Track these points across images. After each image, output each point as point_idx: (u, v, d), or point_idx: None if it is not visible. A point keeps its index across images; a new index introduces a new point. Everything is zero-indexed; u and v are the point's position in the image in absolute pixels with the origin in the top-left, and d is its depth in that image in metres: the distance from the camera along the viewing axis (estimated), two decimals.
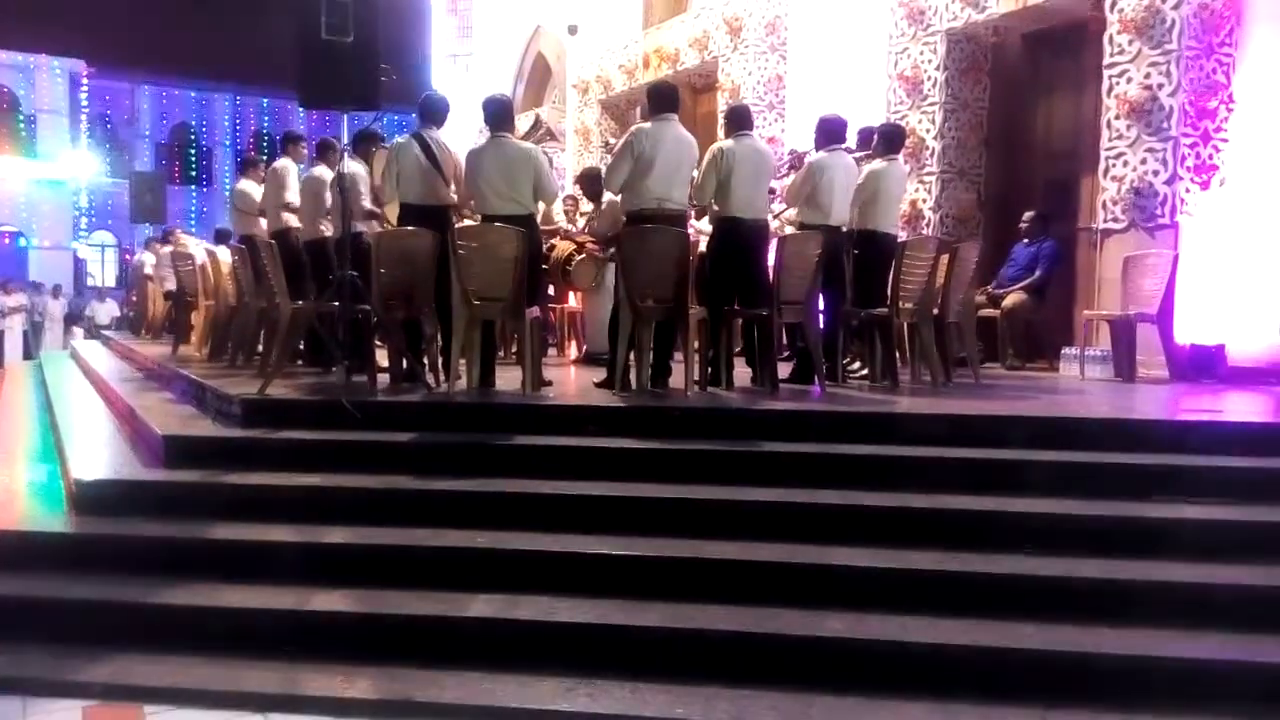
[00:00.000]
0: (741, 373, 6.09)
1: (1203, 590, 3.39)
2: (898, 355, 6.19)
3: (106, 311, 20.80)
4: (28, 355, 18.32)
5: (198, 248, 11.13)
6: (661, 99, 5.73)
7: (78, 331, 20.02)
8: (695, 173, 5.85)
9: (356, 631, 3.43)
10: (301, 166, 7.54)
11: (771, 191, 6.75)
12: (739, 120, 6.00)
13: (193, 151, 33.32)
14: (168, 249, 11.88)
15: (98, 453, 5.10)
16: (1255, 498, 3.96)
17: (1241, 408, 5.47)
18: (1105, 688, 3.05)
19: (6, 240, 28.90)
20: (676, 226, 5.59)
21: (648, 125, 5.63)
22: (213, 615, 3.50)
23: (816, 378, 5.81)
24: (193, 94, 32.87)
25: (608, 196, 6.99)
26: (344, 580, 3.67)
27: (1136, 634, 3.20)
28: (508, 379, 5.73)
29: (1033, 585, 3.43)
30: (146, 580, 3.67)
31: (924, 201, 8.66)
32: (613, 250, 6.75)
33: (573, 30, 13.48)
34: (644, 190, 5.53)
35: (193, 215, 31.16)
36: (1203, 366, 6.78)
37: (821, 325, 6.07)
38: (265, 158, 9.94)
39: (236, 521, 4.02)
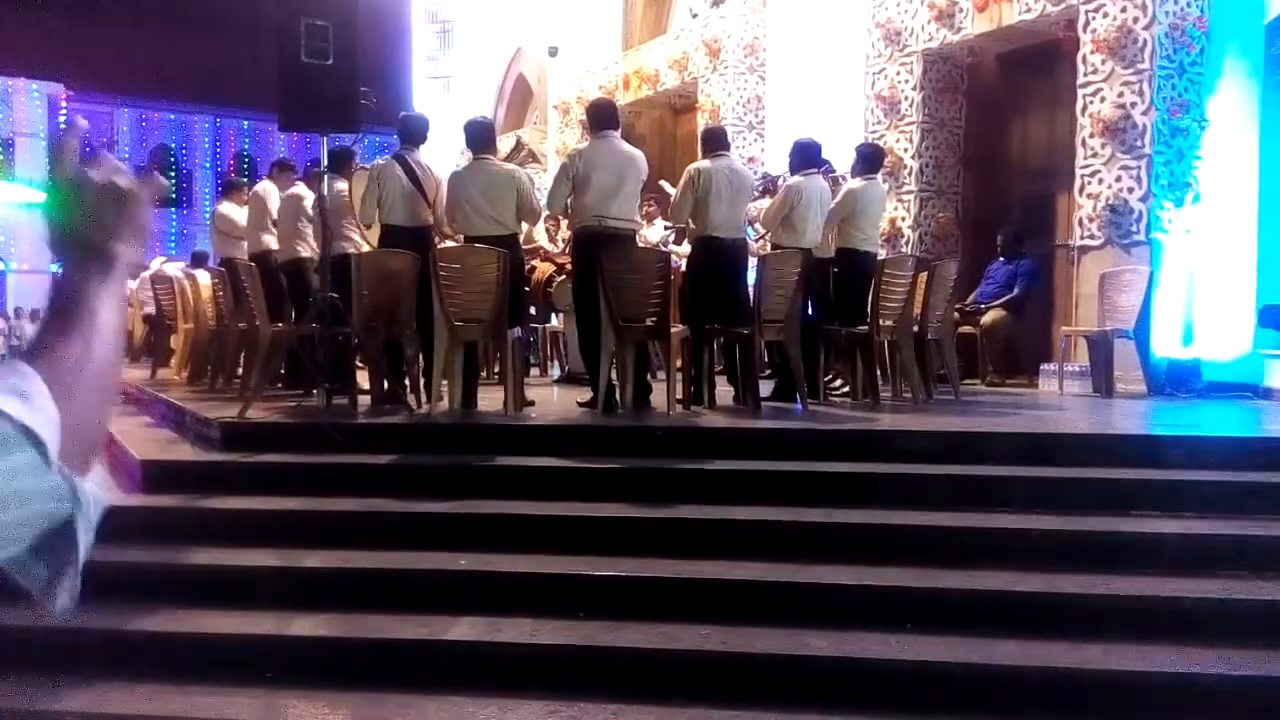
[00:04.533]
0: (723, 391, 6.10)
1: (1183, 604, 3.41)
2: (878, 372, 6.21)
3: None
4: None
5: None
6: (599, 117, 5.76)
7: None
8: (669, 187, 5.88)
9: (337, 656, 3.40)
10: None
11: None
12: (715, 141, 6.06)
13: (173, 174, 33.19)
14: (145, 273, 11.79)
15: None
16: (1234, 511, 3.98)
17: (1218, 421, 5.52)
18: (1089, 703, 3.06)
19: None
20: (626, 242, 5.62)
21: (583, 145, 5.71)
22: (192, 641, 3.46)
23: (798, 396, 5.83)
24: (172, 116, 32.81)
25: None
26: (325, 604, 3.64)
27: (1119, 649, 3.21)
28: (490, 399, 5.72)
29: (1014, 601, 3.44)
30: (124, 606, 3.62)
31: (903, 220, 8.72)
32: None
33: (553, 52, 13.54)
34: (582, 209, 5.58)
35: (173, 238, 31.00)
36: (1180, 381, 6.84)
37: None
38: (246, 180, 9.93)
39: (216, 546, 3.99)
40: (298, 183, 7.08)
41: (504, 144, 13.28)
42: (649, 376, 5.92)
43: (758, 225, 7.39)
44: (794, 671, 3.19)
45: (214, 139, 33.50)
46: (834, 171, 6.91)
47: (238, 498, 4.34)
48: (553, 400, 6.60)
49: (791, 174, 6.39)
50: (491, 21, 15.68)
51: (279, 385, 6.84)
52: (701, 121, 10.64)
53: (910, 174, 8.68)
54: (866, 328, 6.11)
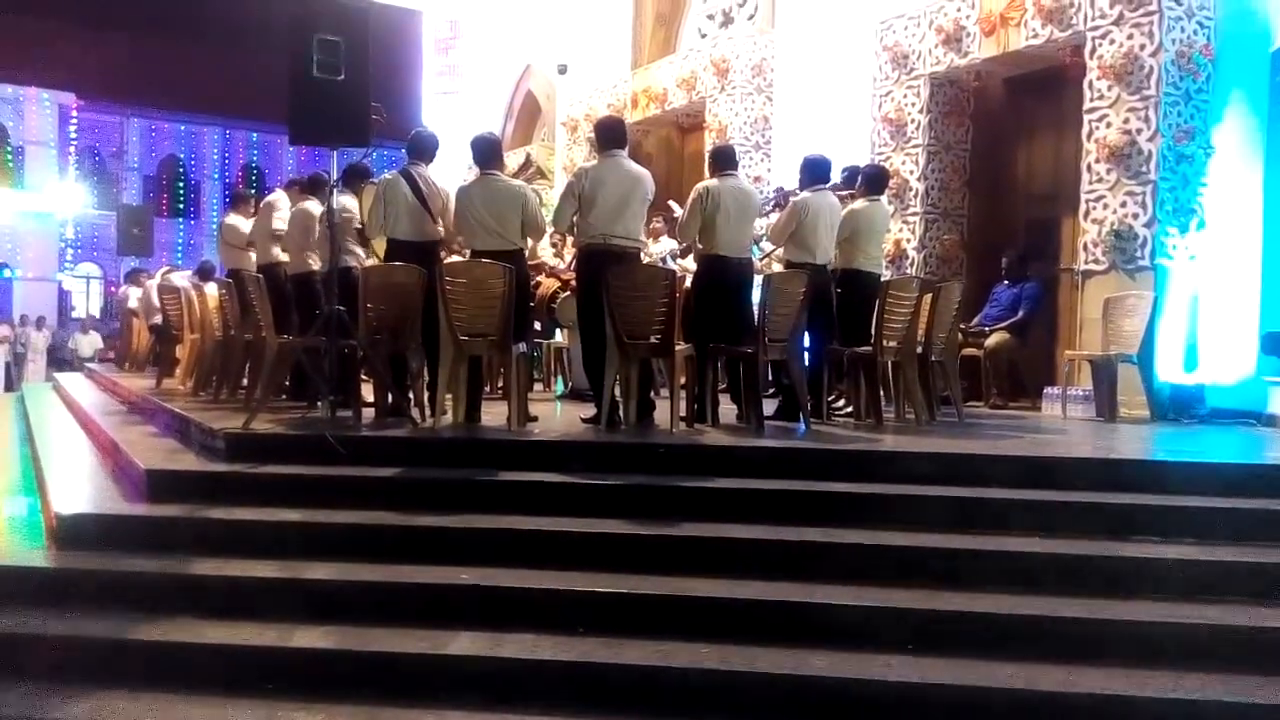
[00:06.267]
0: (727, 409, 6.11)
1: (1183, 630, 3.41)
2: (882, 393, 6.22)
3: (90, 344, 20.66)
4: (9, 388, 18.18)
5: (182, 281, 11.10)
6: (607, 135, 5.76)
7: None
8: (678, 207, 5.89)
9: (339, 669, 3.41)
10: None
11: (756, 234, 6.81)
12: (723, 160, 6.08)
13: (181, 184, 33.32)
14: (152, 282, 11.86)
15: (79, 486, 5.07)
16: (1234, 538, 3.99)
17: (1220, 448, 5.52)
18: None
19: None
20: (631, 260, 5.63)
21: (590, 164, 5.74)
22: (194, 652, 3.47)
23: (801, 415, 5.84)
24: (182, 127, 32.92)
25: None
26: (327, 617, 3.65)
27: (1117, 674, 3.21)
28: (494, 414, 5.74)
29: (1014, 624, 3.45)
30: (127, 616, 3.64)
31: (908, 241, 8.75)
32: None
33: (562, 70, 13.62)
34: (587, 227, 5.59)
35: (180, 248, 31.11)
36: (1183, 406, 6.84)
37: (807, 363, 6.11)
38: (254, 192, 9.96)
39: (219, 557, 4.00)
40: (311, 198, 7.10)
41: (513, 160, 13.34)
42: (652, 394, 5.93)
43: (764, 244, 7.42)
44: (793, 691, 3.19)
45: (223, 150, 33.63)
46: (851, 188, 6.90)
47: (241, 509, 4.35)
48: (556, 416, 6.61)
49: (801, 189, 6.41)
50: (501, 39, 15.78)
51: (283, 397, 6.86)
52: (709, 140, 10.68)
53: (916, 196, 8.71)
54: (870, 348, 6.12)
